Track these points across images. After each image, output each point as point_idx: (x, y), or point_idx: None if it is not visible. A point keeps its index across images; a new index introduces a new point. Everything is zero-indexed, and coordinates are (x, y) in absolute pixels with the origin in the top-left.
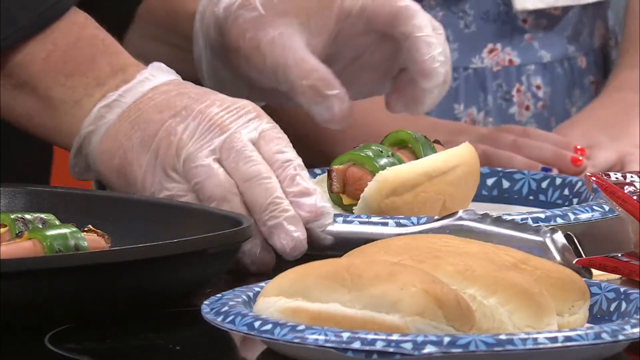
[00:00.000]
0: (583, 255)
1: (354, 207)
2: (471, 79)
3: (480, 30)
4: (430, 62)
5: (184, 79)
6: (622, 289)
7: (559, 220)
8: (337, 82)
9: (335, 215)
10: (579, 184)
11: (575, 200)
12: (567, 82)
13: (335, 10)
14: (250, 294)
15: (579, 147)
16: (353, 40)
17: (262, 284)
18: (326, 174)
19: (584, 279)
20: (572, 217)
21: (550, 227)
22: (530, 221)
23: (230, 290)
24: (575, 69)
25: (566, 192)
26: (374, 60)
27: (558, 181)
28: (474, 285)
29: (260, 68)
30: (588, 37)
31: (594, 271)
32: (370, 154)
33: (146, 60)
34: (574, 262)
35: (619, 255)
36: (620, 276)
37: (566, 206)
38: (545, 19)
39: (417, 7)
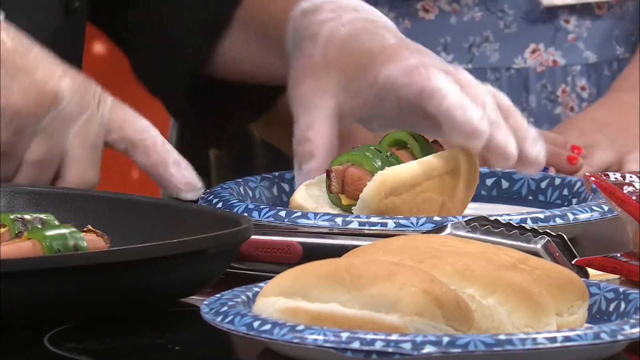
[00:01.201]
0: (577, 256)
1: (352, 207)
2: (514, 79)
3: (521, 30)
4: (469, 124)
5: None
6: (621, 289)
7: (558, 221)
8: (322, 154)
9: (334, 216)
10: (578, 184)
11: (574, 201)
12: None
13: (372, 79)
14: (250, 294)
15: (576, 146)
16: (389, 107)
17: (262, 284)
18: (325, 174)
19: (583, 279)
20: (571, 217)
21: (541, 234)
22: (529, 221)
23: (230, 291)
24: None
25: (565, 192)
26: (416, 124)
27: (557, 181)
28: (473, 285)
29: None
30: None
31: (593, 271)
32: (369, 154)
33: (243, 69)
34: (573, 262)
35: (618, 255)
36: (619, 276)
37: (565, 206)
38: (589, 19)
39: (447, 87)
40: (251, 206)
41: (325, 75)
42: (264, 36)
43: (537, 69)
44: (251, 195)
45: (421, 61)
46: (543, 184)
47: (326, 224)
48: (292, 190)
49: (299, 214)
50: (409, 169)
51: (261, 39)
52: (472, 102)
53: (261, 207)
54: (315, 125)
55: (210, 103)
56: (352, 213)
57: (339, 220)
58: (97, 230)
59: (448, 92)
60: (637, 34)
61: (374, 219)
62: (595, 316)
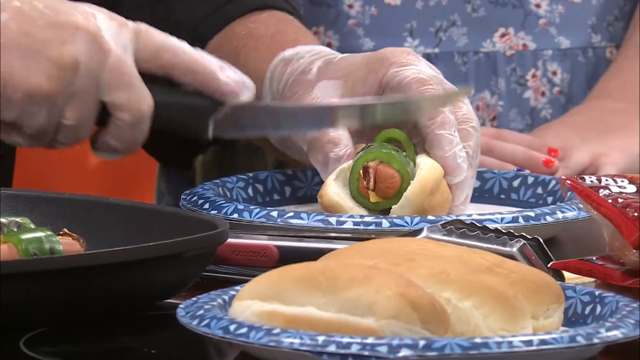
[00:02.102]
0: (553, 259)
1: (393, 206)
2: (482, 62)
3: (489, 14)
4: (452, 159)
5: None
6: (596, 292)
7: (548, 219)
8: (345, 142)
9: (328, 216)
10: (553, 182)
11: (549, 199)
12: (591, 71)
13: (378, 80)
14: (226, 297)
15: (553, 149)
16: None
17: (238, 287)
18: (344, 168)
19: (559, 282)
20: (560, 215)
21: (517, 237)
22: (521, 220)
23: (206, 294)
24: (602, 59)
25: (539, 190)
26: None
27: (530, 180)
28: (448, 289)
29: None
30: (624, 30)
31: (569, 274)
32: (394, 152)
33: None
34: (548, 265)
35: (594, 258)
36: (595, 279)
37: (541, 205)
38: (562, 4)
39: (445, 124)
40: (241, 207)
41: (326, 84)
42: None
43: (507, 52)
44: (229, 196)
45: (434, 75)
46: (515, 183)
47: (320, 224)
48: (267, 190)
49: (292, 214)
50: (438, 168)
51: None
52: (459, 143)
53: (252, 207)
54: None
55: None
56: (376, 211)
57: (333, 220)
58: (73, 234)
59: (447, 120)
60: (619, 25)
61: (368, 219)
62: (571, 319)
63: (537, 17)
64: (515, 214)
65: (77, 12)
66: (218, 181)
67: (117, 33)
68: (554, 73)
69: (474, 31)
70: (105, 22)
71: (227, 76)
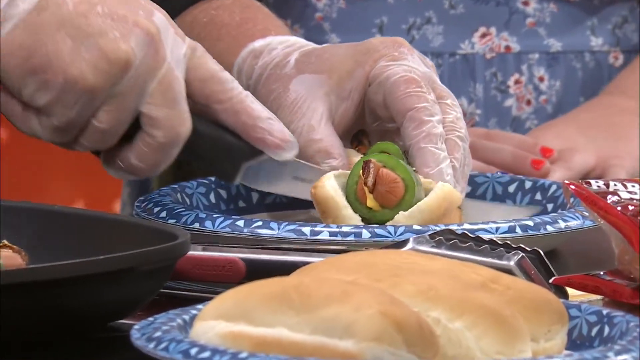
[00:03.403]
0: (555, 274)
1: (399, 213)
2: (458, 65)
3: (469, 11)
4: (438, 177)
5: None
6: (604, 312)
7: (550, 229)
8: (339, 152)
9: (301, 225)
10: (553, 187)
11: (550, 206)
12: (588, 78)
13: (366, 73)
14: (186, 317)
15: (547, 148)
16: (377, 109)
17: (200, 306)
18: (345, 172)
19: (562, 300)
20: (562, 224)
21: (514, 249)
22: (519, 230)
23: (164, 313)
24: (603, 65)
25: (538, 196)
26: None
27: (528, 184)
28: (437, 307)
29: None
30: (633, 32)
31: (573, 291)
32: (401, 161)
33: None
34: (550, 281)
35: (601, 273)
36: (602, 297)
37: (540, 213)
38: (554, 3)
39: (434, 111)
40: (203, 215)
41: (307, 79)
42: None
43: (487, 55)
44: (189, 203)
45: (426, 74)
46: (511, 188)
47: (292, 235)
48: (231, 196)
49: (260, 223)
50: (456, 191)
51: None
52: (446, 158)
53: (215, 216)
54: (315, 127)
55: None
56: (373, 223)
57: (306, 230)
58: (14, 246)
59: (434, 132)
60: (629, 28)
61: (346, 229)
62: (576, 342)
63: (523, 15)
64: (512, 223)
65: (139, 7)
66: (176, 186)
67: (174, 43)
68: (541, 79)
69: (451, 30)
70: (165, 25)
71: (275, 129)
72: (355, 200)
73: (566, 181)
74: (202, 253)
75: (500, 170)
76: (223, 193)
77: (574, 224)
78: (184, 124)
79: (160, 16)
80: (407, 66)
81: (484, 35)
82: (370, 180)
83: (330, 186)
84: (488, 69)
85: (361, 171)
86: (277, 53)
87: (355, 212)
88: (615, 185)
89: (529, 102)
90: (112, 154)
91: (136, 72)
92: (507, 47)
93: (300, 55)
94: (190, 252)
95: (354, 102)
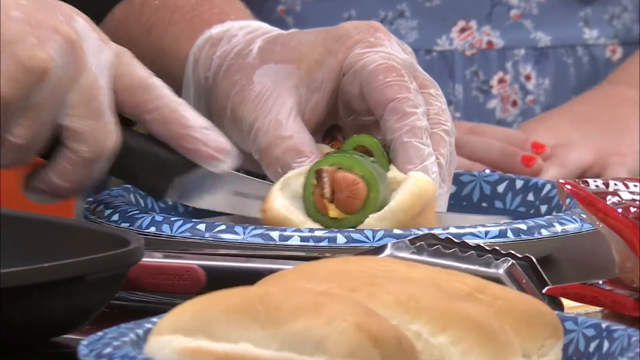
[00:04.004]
0: (549, 283)
1: (369, 216)
2: (435, 64)
3: (446, 3)
4: (423, 172)
5: None
6: (603, 325)
7: (544, 232)
8: (310, 149)
9: (269, 229)
10: (547, 187)
11: (543, 208)
12: (583, 74)
13: (339, 62)
14: (140, 331)
15: (539, 144)
16: (352, 101)
17: (155, 319)
18: (290, 177)
19: (556, 312)
20: (558, 228)
21: (504, 255)
22: (510, 234)
23: (115, 327)
24: (599, 59)
25: (531, 197)
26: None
27: (519, 184)
28: (419, 320)
29: (240, 129)
30: (633, 22)
31: (569, 302)
32: (356, 156)
33: None
34: (543, 291)
35: (600, 282)
36: (601, 308)
37: (532, 215)
38: None
39: (417, 102)
40: (159, 218)
41: (273, 69)
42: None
43: (467, 52)
44: (143, 204)
45: (406, 61)
46: (500, 188)
47: (259, 240)
48: None
49: (223, 227)
50: (434, 184)
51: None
52: (431, 154)
53: (173, 219)
54: (283, 123)
55: None
56: (337, 227)
57: (275, 235)
58: None
59: (417, 125)
60: (628, 17)
61: (319, 233)
62: (572, 358)
63: (507, 7)
64: (503, 227)
65: (58, 11)
66: (130, 186)
67: (97, 50)
68: (527, 77)
69: (426, 24)
70: (87, 31)
71: (210, 138)
72: (316, 213)
73: (561, 180)
74: (158, 260)
75: (487, 168)
76: None
77: (571, 227)
78: (110, 137)
79: (81, 22)
80: (385, 53)
81: (463, 30)
82: (327, 190)
83: (280, 204)
84: (468, 67)
85: (315, 181)
86: (238, 40)
87: (319, 224)
88: (615, 184)
89: (514, 103)
90: (31, 175)
91: (55, 81)
92: (490, 43)
93: (264, 42)
94: (145, 259)
95: (326, 94)
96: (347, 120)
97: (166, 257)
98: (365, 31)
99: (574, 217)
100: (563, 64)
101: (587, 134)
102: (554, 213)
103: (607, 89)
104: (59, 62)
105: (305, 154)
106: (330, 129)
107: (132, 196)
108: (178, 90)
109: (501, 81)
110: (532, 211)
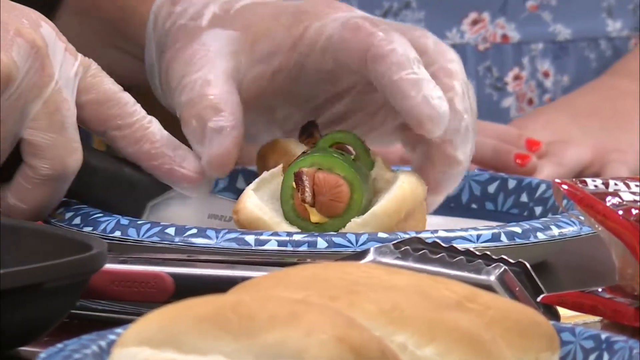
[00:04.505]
0: (544, 291)
1: (351, 221)
2: None
3: None
4: (424, 104)
5: (138, 90)
6: (603, 336)
7: (540, 236)
8: (231, 110)
9: (243, 233)
10: (542, 187)
11: (538, 210)
12: (604, 69)
13: (294, 38)
14: (103, 343)
15: (533, 141)
16: (325, 78)
17: (119, 329)
18: (266, 177)
19: (552, 322)
20: (554, 231)
21: (495, 261)
22: (504, 238)
23: (76, 339)
24: (622, 53)
25: (524, 197)
26: (363, 102)
27: (511, 184)
28: (404, 331)
29: (170, 88)
30: None
31: (566, 312)
32: (336, 155)
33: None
34: (539, 299)
35: (599, 290)
36: (600, 318)
37: (526, 218)
38: None
39: (392, 38)
40: (125, 221)
41: (218, 35)
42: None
43: (479, 46)
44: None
45: (369, 17)
46: (491, 188)
47: (233, 245)
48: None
49: (194, 231)
50: (422, 188)
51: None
52: (430, 81)
53: (139, 222)
54: (212, 82)
55: None
56: (319, 232)
57: (250, 239)
58: None
59: (402, 58)
60: None
61: (297, 237)
62: None
63: None
64: (495, 230)
65: (23, 15)
66: None
67: (64, 60)
68: (546, 74)
69: (434, 16)
70: (53, 39)
71: (185, 159)
72: (296, 218)
73: (557, 180)
74: (122, 266)
75: (478, 166)
76: None
77: (569, 230)
78: (73, 154)
79: (48, 28)
80: (346, 17)
81: (475, 22)
82: (308, 194)
83: (254, 205)
84: (481, 63)
85: (294, 185)
86: (197, 1)
87: (300, 229)
88: (615, 184)
89: (530, 102)
90: None
91: (17, 89)
92: (504, 36)
93: (219, 9)
94: (108, 266)
95: (271, 67)
96: (328, 115)
97: (131, 263)
98: (322, 5)
99: (571, 219)
100: (584, 59)
101: (586, 129)
102: (550, 215)
103: (609, 81)
104: (23, 68)
105: (222, 113)
106: (307, 126)
107: None
108: (142, 50)
109: (517, 78)
110: (525, 213)
